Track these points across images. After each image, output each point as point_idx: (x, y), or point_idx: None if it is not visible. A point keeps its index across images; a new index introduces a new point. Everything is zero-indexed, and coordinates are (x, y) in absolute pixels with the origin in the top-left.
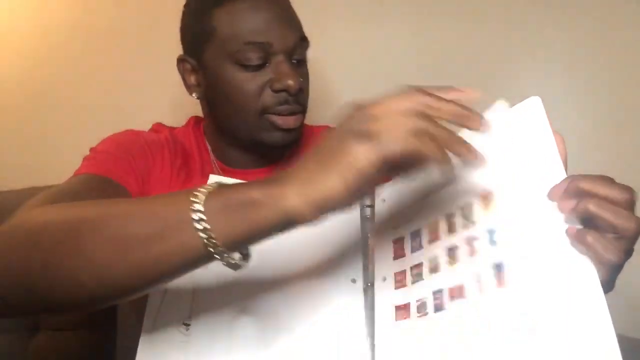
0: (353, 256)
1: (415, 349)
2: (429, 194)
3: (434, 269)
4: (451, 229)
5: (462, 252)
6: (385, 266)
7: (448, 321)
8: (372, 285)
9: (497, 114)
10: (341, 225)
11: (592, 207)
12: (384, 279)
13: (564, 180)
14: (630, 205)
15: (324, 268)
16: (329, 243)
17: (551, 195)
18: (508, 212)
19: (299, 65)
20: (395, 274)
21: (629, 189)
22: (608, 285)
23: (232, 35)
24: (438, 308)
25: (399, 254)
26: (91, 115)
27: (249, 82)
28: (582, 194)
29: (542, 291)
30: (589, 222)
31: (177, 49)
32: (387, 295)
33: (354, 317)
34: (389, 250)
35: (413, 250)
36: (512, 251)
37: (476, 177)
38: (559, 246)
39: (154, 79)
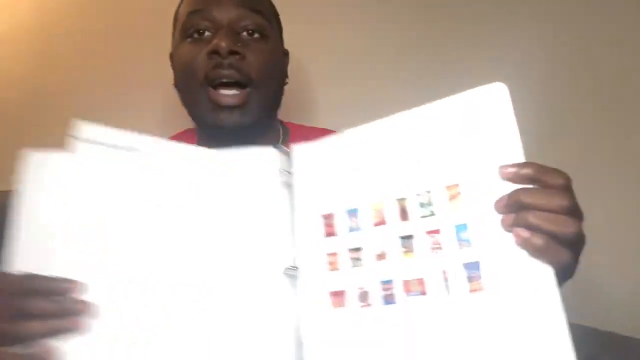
0: (275, 232)
1: (352, 341)
2: (365, 168)
3: (382, 256)
4: (404, 216)
5: (421, 243)
6: (314, 244)
7: (399, 316)
8: (295, 267)
9: (460, 96)
10: (261, 198)
11: (531, 219)
12: (314, 259)
13: (504, 196)
14: (569, 210)
15: (244, 251)
16: (248, 221)
17: (496, 208)
18: (477, 207)
19: (254, 39)
20: (328, 254)
21: (566, 195)
22: (564, 275)
23: (182, 11)
24: (388, 300)
25: (330, 232)
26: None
27: (191, 51)
28: (522, 207)
29: (516, 297)
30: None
31: None
32: (318, 279)
33: (279, 303)
34: (318, 225)
35: (351, 230)
36: (488, 251)
37: (438, 165)
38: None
39: (154, 79)
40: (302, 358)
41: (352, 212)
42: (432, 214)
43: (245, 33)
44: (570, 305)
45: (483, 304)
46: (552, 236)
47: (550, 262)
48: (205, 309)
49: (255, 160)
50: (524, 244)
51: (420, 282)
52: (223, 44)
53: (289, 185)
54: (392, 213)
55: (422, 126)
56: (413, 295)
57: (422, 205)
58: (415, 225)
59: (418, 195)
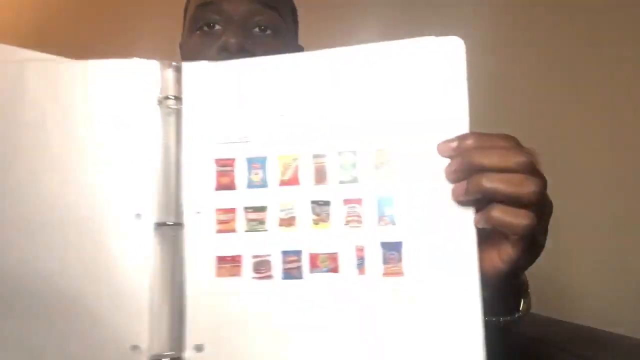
0: (149, 176)
1: (240, 319)
2: (279, 109)
3: (288, 223)
4: (320, 177)
5: (337, 213)
6: (201, 196)
7: (301, 294)
8: (179, 223)
9: (407, 43)
10: (135, 127)
11: (485, 182)
12: (198, 214)
13: (454, 160)
14: (527, 168)
15: (105, 197)
16: (114, 159)
17: (446, 174)
18: (409, 179)
19: (266, 35)
20: (218, 211)
21: (520, 152)
22: (530, 256)
23: (192, 1)
24: (291, 275)
25: (224, 184)
26: None
27: (199, 45)
28: (474, 170)
29: (436, 289)
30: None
31: None
32: (203, 239)
33: (140, 271)
34: (208, 172)
35: (250, 185)
36: (415, 232)
37: (369, 122)
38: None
39: None
40: (184, 332)
41: (256, 162)
42: (355, 180)
43: (257, 29)
44: (569, 305)
45: (400, 291)
46: (513, 200)
47: (514, 229)
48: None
49: (131, 76)
50: (484, 218)
51: (333, 257)
52: (232, 41)
53: (178, 115)
54: (305, 171)
55: (356, 69)
56: (321, 271)
57: (343, 167)
58: (333, 191)
59: (340, 154)
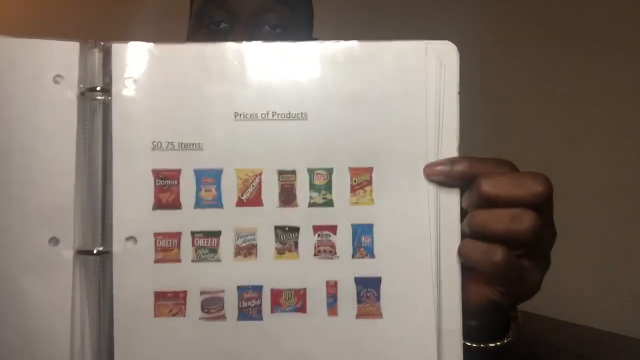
0: (57, 191)
1: None
2: (239, 108)
3: (246, 252)
4: (287, 198)
5: (307, 241)
6: (135, 217)
7: (263, 340)
8: (105, 252)
9: (396, 45)
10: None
11: (475, 219)
12: (131, 239)
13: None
14: (536, 200)
15: (2, 221)
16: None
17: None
18: (388, 202)
19: (276, 34)
20: (156, 235)
21: (533, 180)
22: (516, 296)
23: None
24: (249, 315)
25: (165, 201)
26: None
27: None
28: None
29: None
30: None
31: None
32: (137, 271)
33: (58, 310)
34: (143, 187)
35: (200, 204)
36: (391, 265)
37: (345, 132)
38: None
39: None
40: None
41: (208, 176)
42: (329, 203)
43: (266, 27)
44: (569, 305)
45: (376, 336)
46: (502, 238)
47: (482, 268)
48: None
49: (45, 60)
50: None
51: (299, 294)
52: (240, 41)
53: (106, 111)
54: (269, 190)
55: (335, 67)
56: (285, 311)
57: (315, 187)
58: (302, 215)
59: (312, 171)
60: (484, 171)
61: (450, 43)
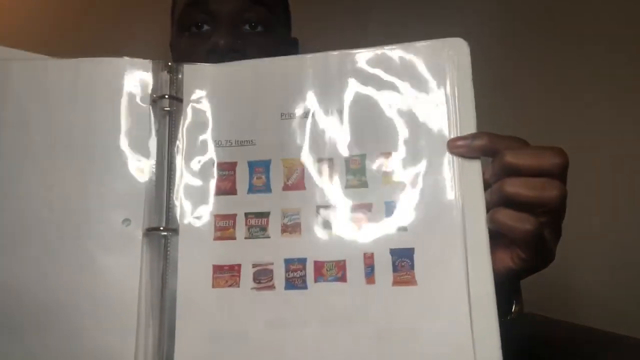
0: (131, 180)
1: (239, 333)
2: (284, 111)
3: (292, 229)
4: (326, 181)
5: (342, 217)
6: (199, 202)
7: (308, 306)
8: (171, 229)
9: (411, 46)
10: (125, 129)
11: (508, 187)
12: (195, 219)
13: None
14: (556, 170)
15: (84, 204)
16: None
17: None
18: (416, 180)
19: (256, 33)
20: (216, 217)
21: (552, 152)
22: (534, 264)
23: (179, 0)
24: (295, 285)
25: (225, 188)
26: None
27: (189, 47)
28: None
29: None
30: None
31: None
32: (199, 247)
33: (127, 281)
34: (206, 176)
35: (252, 190)
36: (423, 237)
37: (373, 124)
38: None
39: None
40: (174, 349)
41: (259, 166)
42: (364, 184)
43: (247, 26)
44: (569, 305)
45: (412, 302)
46: (532, 205)
47: (515, 235)
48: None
49: (123, 75)
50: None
51: (340, 265)
52: (221, 42)
53: (172, 117)
54: (310, 175)
55: (361, 72)
56: (327, 281)
57: (351, 172)
58: (340, 195)
59: (347, 158)
60: (503, 145)
61: (461, 39)
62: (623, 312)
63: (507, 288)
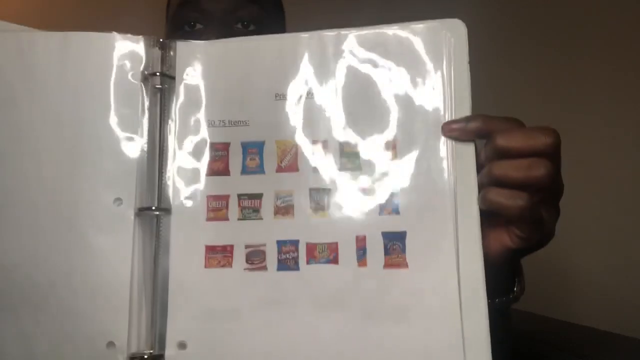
0: (122, 159)
1: (230, 313)
2: (279, 90)
3: (284, 211)
4: (320, 164)
5: (337, 201)
6: (192, 182)
7: (300, 287)
8: (163, 209)
9: (407, 27)
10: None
11: (495, 170)
12: (188, 200)
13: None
14: (547, 149)
15: (75, 183)
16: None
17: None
18: (409, 164)
19: (249, 31)
20: (208, 197)
21: (543, 132)
22: (533, 242)
23: (173, 1)
24: (287, 266)
25: (217, 169)
26: None
27: None
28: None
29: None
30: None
31: None
32: (192, 228)
33: (120, 260)
34: (199, 157)
35: (246, 171)
36: (415, 220)
37: (367, 107)
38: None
39: None
40: (166, 328)
41: (252, 147)
42: (357, 167)
43: (239, 25)
44: (569, 305)
45: (403, 284)
46: (520, 185)
47: (508, 211)
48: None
49: (114, 51)
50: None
51: (332, 247)
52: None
53: (163, 95)
54: (304, 157)
55: (356, 52)
56: (319, 262)
57: (344, 154)
58: (334, 178)
59: (342, 141)
60: (497, 127)
61: (459, 20)
62: (623, 312)
63: (507, 268)
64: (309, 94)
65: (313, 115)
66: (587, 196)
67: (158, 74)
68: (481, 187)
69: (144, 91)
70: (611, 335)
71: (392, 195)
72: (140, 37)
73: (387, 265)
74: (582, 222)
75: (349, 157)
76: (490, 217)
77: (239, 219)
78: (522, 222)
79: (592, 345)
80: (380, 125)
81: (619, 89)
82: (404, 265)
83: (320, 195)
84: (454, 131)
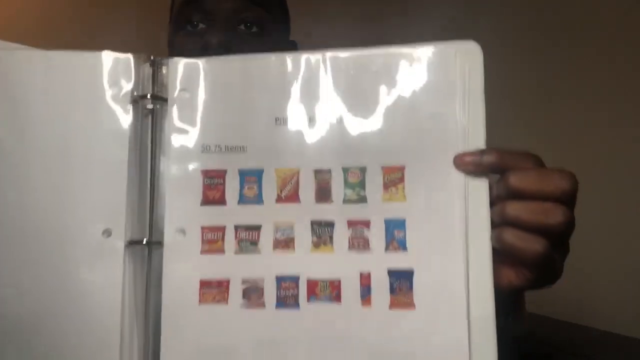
0: (111, 187)
1: (226, 353)
2: (278, 113)
3: (284, 245)
4: (323, 195)
5: (341, 236)
6: (185, 212)
7: (299, 327)
8: (155, 242)
9: (420, 48)
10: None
11: (509, 210)
12: (182, 233)
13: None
14: (562, 195)
15: (62, 213)
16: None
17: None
18: (419, 196)
19: (252, 33)
20: (203, 229)
21: (560, 176)
22: (541, 282)
23: (177, 1)
24: (286, 304)
25: (212, 198)
26: None
27: (184, 45)
28: (507, 194)
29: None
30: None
31: None
32: (185, 261)
33: (109, 296)
34: (193, 185)
35: (243, 201)
36: (423, 258)
37: (375, 133)
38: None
39: None
40: None
41: (251, 175)
42: (362, 199)
43: (242, 26)
44: (570, 305)
45: (409, 327)
46: (535, 229)
47: (522, 254)
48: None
49: (101, 70)
50: (496, 237)
51: (334, 285)
52: (214, 41)
53: (155, 117)
54: (306, 188)
55: (365, 74)
56: (320, 301)
57: (349, 185)
58: (337, 211)
59: (346, 170)
60: (512, 163)
61: (474, 43)
62: (623, 312)
63: (509, 302)
64: (312, 119)
65: (315, 142)
66: (588, 196)
67: (149, 96)
68: (492, 224)
69: (134, 115)
70: (611, 335)
71: (399, 230)
72: (129, 55)
73: (393, 305)
74: (582, 222)
75: (353, 188)
76: (497, 254)
77: (235, 252)
78: (535, 266)
79: (592, 345)
80: (388, 154)
81: (627, 104)
82: (411, 305)
83: (322, 228)
84: (468, 165)
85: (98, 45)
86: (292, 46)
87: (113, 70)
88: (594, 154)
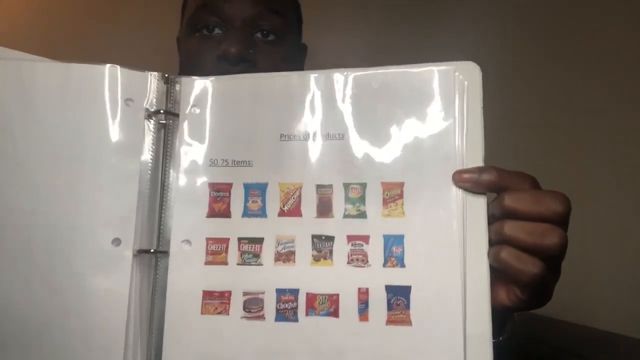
0: (122, 198)
1: (228, 359)
2: (284, 130)
3: (285, 258)
4: (324, 209)
5: (340, 250)
6: (192, 223)
7: (297, 340)
8: (161, 251)
9: (420, 69)
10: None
11: (506, 229)
12: (187, 243)
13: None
14: (555, 218)
15: (72, 221)
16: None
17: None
18: (418, 214)
19: (268, 41)
20: (208, 240)
21: (554, 199)
22: (531, 303)
23: (191, 2)
24: (285, 316)
25: (218, 210)
26: None
27: (199, 50)
28: (502, 214)
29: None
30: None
31: None
32: (189, 271)
33: (116, 303)
34: (200, 197)
35: (247, 214)
36: (421, 274)
37: (376, 151)
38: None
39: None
40: None
41: (255, 189)
42: (362, 215)
43: (259, 34)
44: (570, 306)
45: (406, 343)
46: (531, 250)
47: (517, 274)
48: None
49: (118, 84)
50: (492, 255)
51: (333, 299)
52: (233, 50)
53: (167, 132)
54: (308, 202)
55: (366, 93)
56: (318, 315)
57: (350, 201)
58: (337, 226)
59: (347, 186)
60: (510, 183)
61: (473, 63)
62: (624, 312)
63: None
64: (315, 136)
65: (318, 158)
66: (588, 196)
67: (162, 111)
68: (489, 242)
69: (147, 128)
70: (611, 335)
71: (397, 246)
72: (145, 72)
73: (390, 321)
74: (581, 222)
75: (353, 203)
76: (491, 272)
77: (238, 264)
78: (528, 287)
79: (592, 345)
80: (387, 171)
81: (624, 111)
82: (408, 322)
83: (322, 243)
84: (466, 182)
85: (104, 51)
86: (303, 50)
87: (130, 85)
88: (593, 157)
